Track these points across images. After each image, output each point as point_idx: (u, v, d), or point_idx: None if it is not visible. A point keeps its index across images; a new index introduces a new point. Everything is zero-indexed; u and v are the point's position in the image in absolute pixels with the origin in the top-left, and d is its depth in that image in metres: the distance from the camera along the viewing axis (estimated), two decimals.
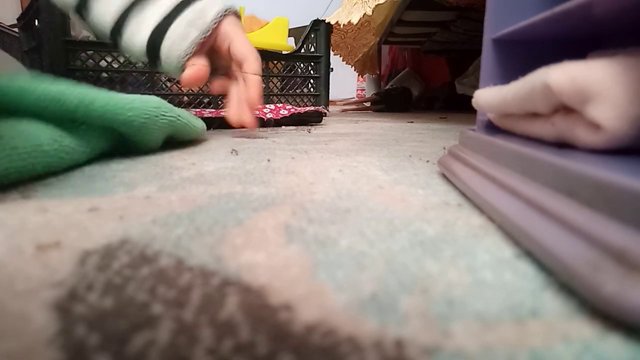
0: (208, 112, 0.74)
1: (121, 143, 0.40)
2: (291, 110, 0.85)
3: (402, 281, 0.15)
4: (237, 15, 0.63)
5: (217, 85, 0.63)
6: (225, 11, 0.59)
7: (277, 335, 0.12)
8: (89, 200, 0.25)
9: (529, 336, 0.12)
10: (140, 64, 0.90)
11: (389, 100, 1.67)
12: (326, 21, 1.15)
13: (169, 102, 0.97)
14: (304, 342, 0.12)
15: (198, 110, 0.76)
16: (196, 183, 0.30)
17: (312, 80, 1.16)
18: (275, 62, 1.08)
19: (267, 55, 1.06)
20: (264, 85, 0.59)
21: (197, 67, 0.56)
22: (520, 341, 0.12)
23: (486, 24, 0.31)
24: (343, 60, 1.81)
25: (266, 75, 1.06)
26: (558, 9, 0.21)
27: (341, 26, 1.34)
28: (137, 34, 0.56)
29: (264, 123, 0.80)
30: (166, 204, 0.25)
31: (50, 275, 0.15)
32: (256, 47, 1.03)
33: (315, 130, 0.78)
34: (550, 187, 0.18)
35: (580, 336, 0.12)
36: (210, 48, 0.59)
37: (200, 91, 0.99)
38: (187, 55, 0.56)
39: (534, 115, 0.23)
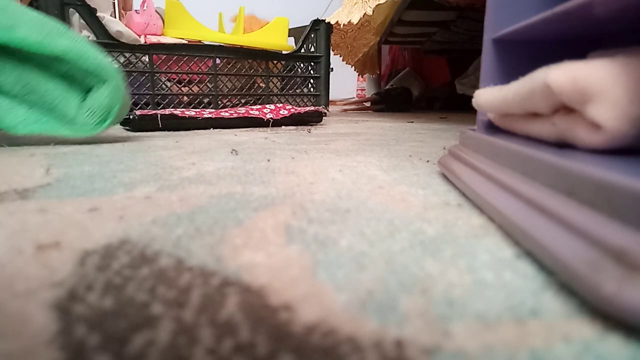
0: (208, 112, 0.74)
1: None
2: (291, 110, 0.85)
3: (402, 281, 0.15)
4: None
5: None
6: None
7: (277, 335, 0.12)
8: (89, 200, 0.25)
9: (529, 336, 0.12)
10: (140, 64, 0.90)
11: (389, 100, 1.67)
12: (326, 21, 1.15)
13: (169, 102, 0.97)
14: (304, 342, 0.12)
15: (198, 110, 0.76)
16: (196, 183, 0.30)
17: (312, 80, 1.16)
18: (275, 62, 1.08)
19: (267, 55, 1.06)
20: None
21: None
22: (521, 341, 0.12)
23: (486, 24, 0.31)
24: (343, 60, 1.81)
25: (266, 75, 1.06)
26: (558, 9, 0.21)
27: (341, 26, 1.34)
28: None
29: (263, 123, 0.80)
30: (166, 204, 0.25)
31: (50, 275, 0.15)
32: (256, 47, 1.04)
33: (315, 130, 0.78)
34: (550, 187, 0.18)
35: (580, 336, 0.12)
36: None
37: (200, 91, 0.99)
38: None
39: (534, 115, 0.23)
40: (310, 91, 1.16)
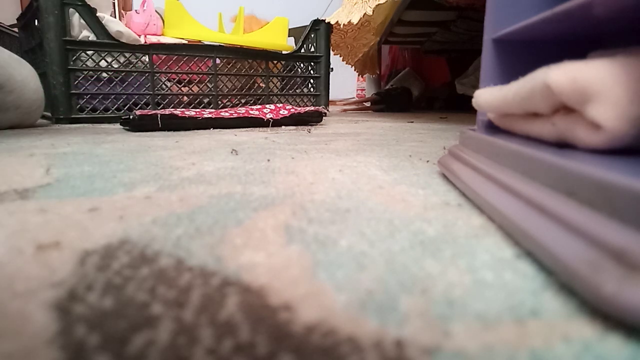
0: (208, 112, 0.74)
1: None
2: (291, 110, 0.85)
3: (402, 281, 0.15)
4: None
5: None
6: None
7: (277, 335, 0.12)
8: (89, 200, 0.25)
9: (529, 336, 0.12)
10: (140, 64, 0.90)
11: (389, 100, 1.67)
12: (326, 21, 1.15)
13: (169, 102, 0.97)
14: (304, 342, 0.12)
15: (198, 110, 0.76)
16: (196, 183, 0.30)
17: (312, 80, 1.16)
18: (275, 62, 1.08)
19: (267, 55, 1.06)
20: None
21: None
22: (521, 341, 0.12)
23: (486, 24, 0.31)
24: (343, 60, 1.81)
25: (266, 75, 1.06)
26: (558, 9, 0.21)
27: (341, 26, 1.34)
28: None
29: (263, 123, 0.80)
30: (166, 204, 0.25)
31: (50, 275, 0.15)
32: (256, 47, 1.04)
33: (315, 130, 0.78)
34: (550, 187, 0.18)
35: (580, 336, 0.12)
36: None
37: (200, 91, 0.99)
38: None
39: (534, 115, 0.23)
40: (310, 91, 1.16)
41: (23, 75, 0.71)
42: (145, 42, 0.94)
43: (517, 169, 0.21)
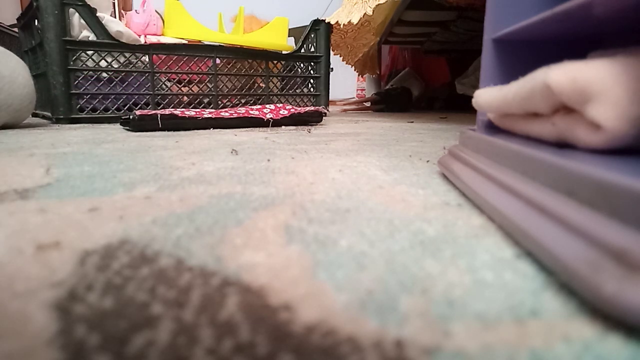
0: (208, 112, 0.74)
1: None
2: (291, 110, 0.85)
3: (402, 281, 0.15)
4: None
5: None
6: None
7: (277, 335, 0.12)
8: (89, 200, 0.25)
9: (529, 336, 0.12)
10: (140, 64, 0.90)
11: (389, 100, 1.67)
12: (326, 21, 1.15)
13: (169, 102, 0.97)
14: (304, 342, 0.12)
15: (198, 110, 0.76)
16: (196, 183, 0.30)
17: (312, 80, 1.16)
18: (275, 62, 1.08)
19: (267, 55, 1.06)
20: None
21: None
22: (521, 341, 0.12)
23: (486, 24, 0.31)
24: (343, 60, 1.81)
25: (266, 75, 1.06)
26: (558, 9, 0.21)
27: (341, 26, 1.34)
28: None
29: (263, 123, 0.80)
30: (166, 204, 0.25)
31: (50, 275, 0.15)
32: (256, 47, 1.04)
33: (315, 130, 0.78)
34: (550, 187, 0.18)
35: (580, 336, 0.12)
36: None
37: (200, 91, 0.99)
38: None
39: (534, 115, 0.23)
40: (310, 91, 1.16)
41: (10, 68, 0.66)
42: (145, 42, 0.94)
43: (517, 169, 0.21)
